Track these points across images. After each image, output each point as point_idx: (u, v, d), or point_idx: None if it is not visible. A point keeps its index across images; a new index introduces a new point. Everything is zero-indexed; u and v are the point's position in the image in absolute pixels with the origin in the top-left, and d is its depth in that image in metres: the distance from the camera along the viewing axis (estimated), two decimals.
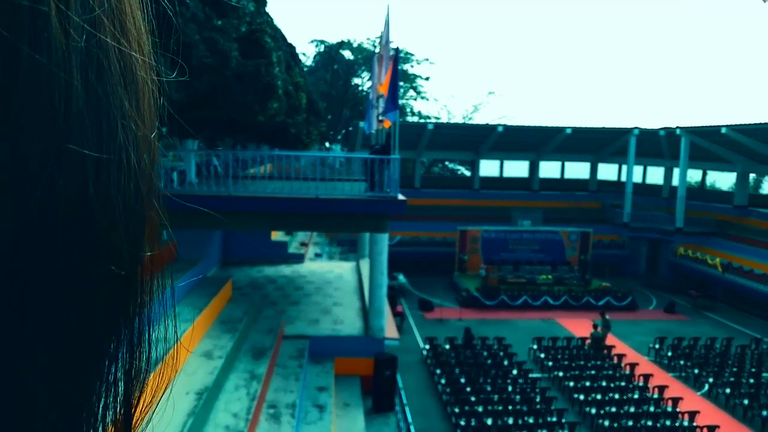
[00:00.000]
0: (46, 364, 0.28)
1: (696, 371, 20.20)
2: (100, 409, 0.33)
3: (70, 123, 0.27)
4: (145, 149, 0.33)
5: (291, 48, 24.94)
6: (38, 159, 0.26)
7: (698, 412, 16.10)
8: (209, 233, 18.19)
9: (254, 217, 13.75)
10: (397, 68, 14.55)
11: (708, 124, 33.61)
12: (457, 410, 15.92)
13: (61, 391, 0.30)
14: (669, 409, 16.56)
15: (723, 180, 47.43)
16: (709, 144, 35.08)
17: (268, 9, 16.24)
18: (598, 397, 17.06)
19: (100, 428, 0.33)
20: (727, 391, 18.21)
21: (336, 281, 21.62)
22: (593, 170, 45.09)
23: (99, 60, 0.28)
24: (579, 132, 39.47)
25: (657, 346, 22.62)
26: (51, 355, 0.28)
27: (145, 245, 0.34)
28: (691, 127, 35.01)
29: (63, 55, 0.26)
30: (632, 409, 16.30)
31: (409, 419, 15.50)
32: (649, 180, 43.60)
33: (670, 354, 21.92)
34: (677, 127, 35.65)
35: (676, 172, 37.71)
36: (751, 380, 19.16)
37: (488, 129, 40.42)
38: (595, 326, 22.21)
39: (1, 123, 0.24)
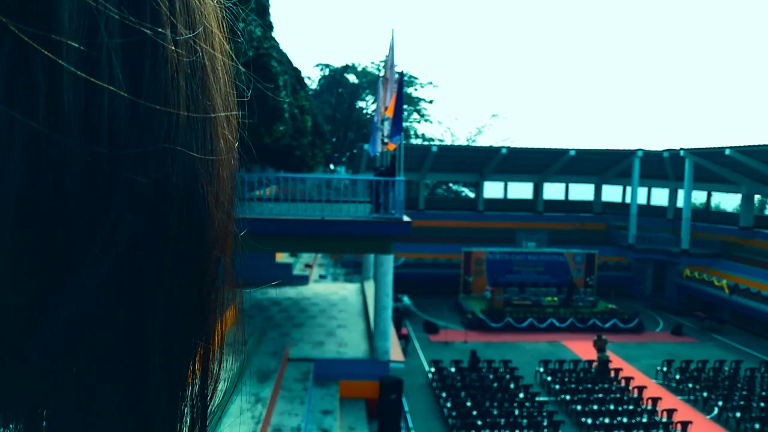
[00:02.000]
0: (160, 350, 0.32)
1: (705, 394, 19.93)
2: (191, 386, 0.36)
3: (179, 127, 0.30)
4: (234, 155, 0.37)
5: (296, 72, 25.26)
6: (155, 159, 0.29)
7: None
8: None
9: (259, 238, 13.75)
10: (402, 92, 14.70)
11: (712, 146, 33.63)
12: None
13: (168, 370, 0.33)
14: None
15: (728, 201, 47.30)
16: (714, 165, 35.10)
17: (274, 34, 16.53)
18: (606, 420, 16.82)
19: (188, 403, 0.36)
20: (738, 414, 17.94)
21: (340, 303, 21.57)
22: (597, 192, 45.08)
23: (200, 74, 0.32)
24: (583, 154, 39.57)
25: (665, 368, 22.36)
26: (163, 340, 0.32)
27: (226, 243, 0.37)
28: (695, 148, 35.05)
29: (176, 68, 0.30)
30: None
31: None
32: (654, 201, 43.54)
33: (678, 377, 21.66)
34: (681, 149, 35.70)
35: (681, 193, 37.64)
36: (762, 404, 18.86)
37: (492, 151, 40.58)
38: (601, 349, 22.00)
39: (130, 125, 0.27)
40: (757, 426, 17.04)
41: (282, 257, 26.20)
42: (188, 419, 0.36)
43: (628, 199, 41.32)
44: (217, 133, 0.34)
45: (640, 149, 38.13)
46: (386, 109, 16.85)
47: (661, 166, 39.36)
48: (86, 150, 0.26)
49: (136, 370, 0.31)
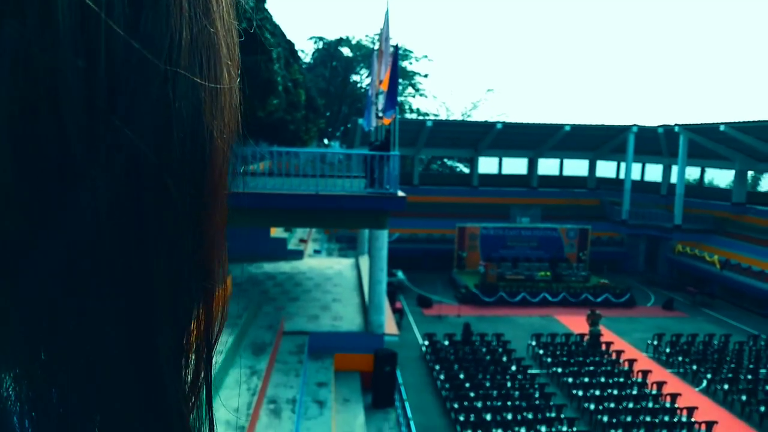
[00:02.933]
0: (165, 281, 0.30)
1: (694, 367, 20.27)
2: (196, 326, 0.35)
3: (182, 49, 0.29)
4: (236, 89, 0.36)
5: (290, 45, 24.94)
6: (159, 83, 0.28)
7: (696, 407, 16.17)
8: None
9: (254, 213, 13.75)
10: (397, 65, 14.54)
11: (706, 122, 33.65)
12: (456, 406, 15.96)
13: (174, 304, 0.32)
14: (667, 404, 16.62)
15: (721, 177, 47.55)
16: (708, 141, 35.13)
17: (267, 5, 16.28)
18: (597, 392, 17.11)
19: (194, 340, 0.35)
20: (726, 387, 18.28)
21: (335, 278, 21.66)
22: (592, 167, 45.13)
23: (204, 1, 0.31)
24: (578, 129, 39.51)
25: (655, 342, 22.69)
26: (167, 272, 0.30)
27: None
28: (690, 124, 35.04)
29: None
30: (631, 405, 16.36)
31: (409, 414, 15.55)
32: (648, 177, 43.68)
33: (668, 350, 22.00)
34: (676, 125, 35.69)
35: (675, 169, 37.74)
36: (749, 376, 19.24)
37: (487, 126, 40.44)
38: (594, 323, 22.25)
39: (128, 44, 0.26)
40: (743, 398, 17.38)
41: (276, 232, 26.21)
42: (194, 356, 0.35)
43: (622, 175, 41.36)
44: (220, 62, 0.33)
45: (634, 125, 38.09)
46: (381, 82, 16.70)
47: (655, 142, 39.37)
48: (81, 66, 0.25)
49: (141, 303, 0.29)
